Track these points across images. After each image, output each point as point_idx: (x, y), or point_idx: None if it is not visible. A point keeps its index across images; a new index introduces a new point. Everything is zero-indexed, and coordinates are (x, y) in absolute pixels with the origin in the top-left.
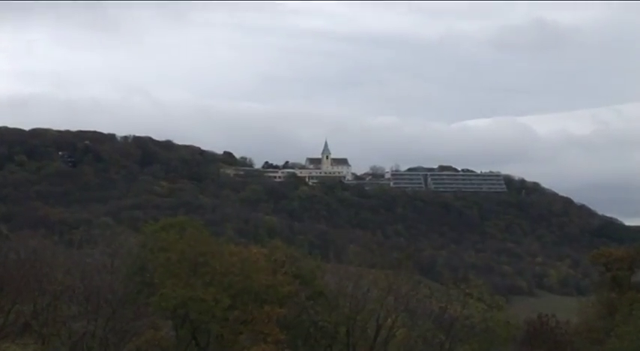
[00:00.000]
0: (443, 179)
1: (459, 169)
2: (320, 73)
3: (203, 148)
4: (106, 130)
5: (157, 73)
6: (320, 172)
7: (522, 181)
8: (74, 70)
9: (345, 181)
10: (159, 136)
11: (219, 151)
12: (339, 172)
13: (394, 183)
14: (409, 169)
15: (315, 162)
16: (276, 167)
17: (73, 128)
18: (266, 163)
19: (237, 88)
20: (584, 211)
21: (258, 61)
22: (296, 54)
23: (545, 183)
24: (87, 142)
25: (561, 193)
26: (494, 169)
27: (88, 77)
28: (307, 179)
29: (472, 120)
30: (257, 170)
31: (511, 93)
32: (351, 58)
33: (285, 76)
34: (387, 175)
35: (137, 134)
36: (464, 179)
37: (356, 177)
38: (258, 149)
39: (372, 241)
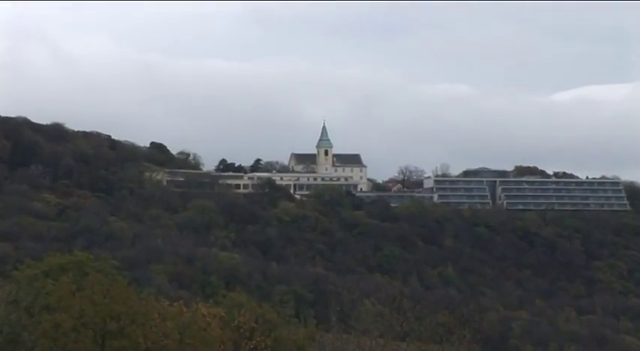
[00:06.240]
0: (523, 190)
1: (551, 172)
2: (336, 12)
3: (116, 137)
4: None
5: (66, 11)
6: (314, 178)
7: None
8: None
9: (358, 193)
10: (43, 116)
11: (144, 142)
12: (346, 178)
13: (440, 196)
14: (466, 173)
15: (307, 160)
16: (241, 169)
17: None
18: (222, 162)
19: (197, 37)
20: None
21: None
22: None
23: None
24: None
25: None
26: (610, 173)
27: None
28: (293, 189)
29: (591, 86)
30: (207, 174)
31: None
32: None
33: (277, 17)
34: (429, 183)
35: (4, 114)
36: (559, 190)
37: (376, 185)
38: (211, 139)
39: (401, 295)
